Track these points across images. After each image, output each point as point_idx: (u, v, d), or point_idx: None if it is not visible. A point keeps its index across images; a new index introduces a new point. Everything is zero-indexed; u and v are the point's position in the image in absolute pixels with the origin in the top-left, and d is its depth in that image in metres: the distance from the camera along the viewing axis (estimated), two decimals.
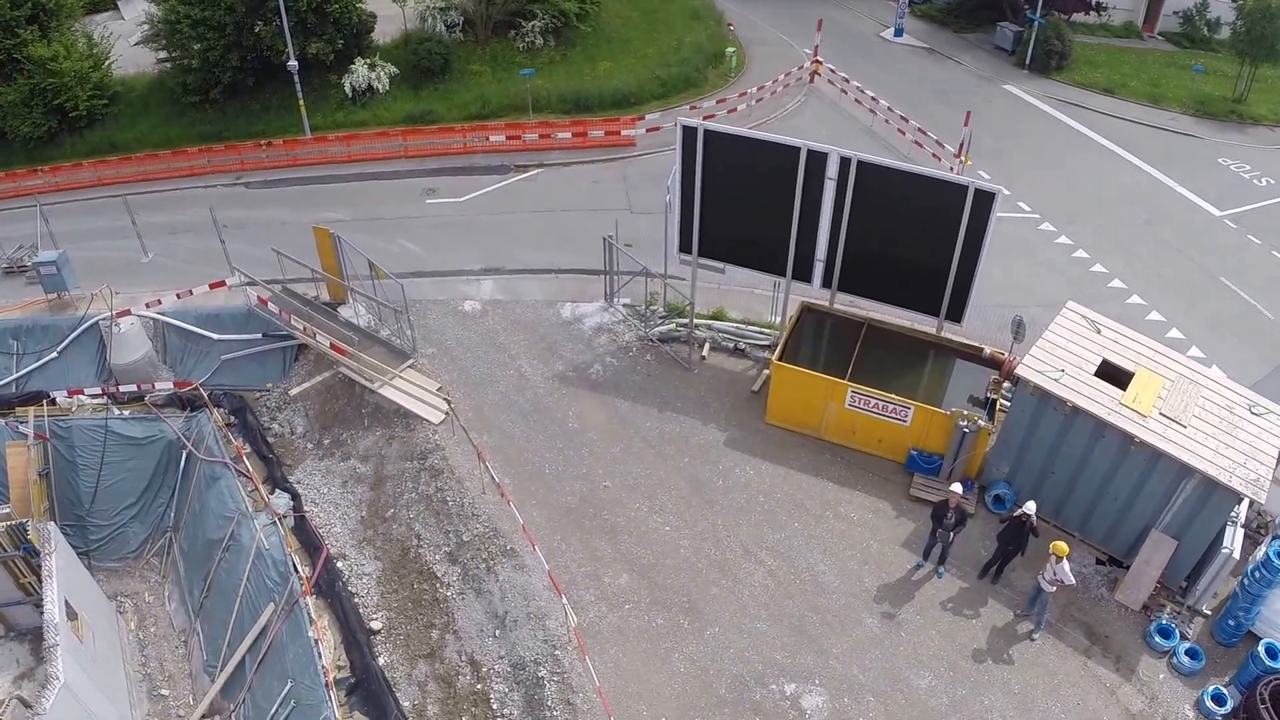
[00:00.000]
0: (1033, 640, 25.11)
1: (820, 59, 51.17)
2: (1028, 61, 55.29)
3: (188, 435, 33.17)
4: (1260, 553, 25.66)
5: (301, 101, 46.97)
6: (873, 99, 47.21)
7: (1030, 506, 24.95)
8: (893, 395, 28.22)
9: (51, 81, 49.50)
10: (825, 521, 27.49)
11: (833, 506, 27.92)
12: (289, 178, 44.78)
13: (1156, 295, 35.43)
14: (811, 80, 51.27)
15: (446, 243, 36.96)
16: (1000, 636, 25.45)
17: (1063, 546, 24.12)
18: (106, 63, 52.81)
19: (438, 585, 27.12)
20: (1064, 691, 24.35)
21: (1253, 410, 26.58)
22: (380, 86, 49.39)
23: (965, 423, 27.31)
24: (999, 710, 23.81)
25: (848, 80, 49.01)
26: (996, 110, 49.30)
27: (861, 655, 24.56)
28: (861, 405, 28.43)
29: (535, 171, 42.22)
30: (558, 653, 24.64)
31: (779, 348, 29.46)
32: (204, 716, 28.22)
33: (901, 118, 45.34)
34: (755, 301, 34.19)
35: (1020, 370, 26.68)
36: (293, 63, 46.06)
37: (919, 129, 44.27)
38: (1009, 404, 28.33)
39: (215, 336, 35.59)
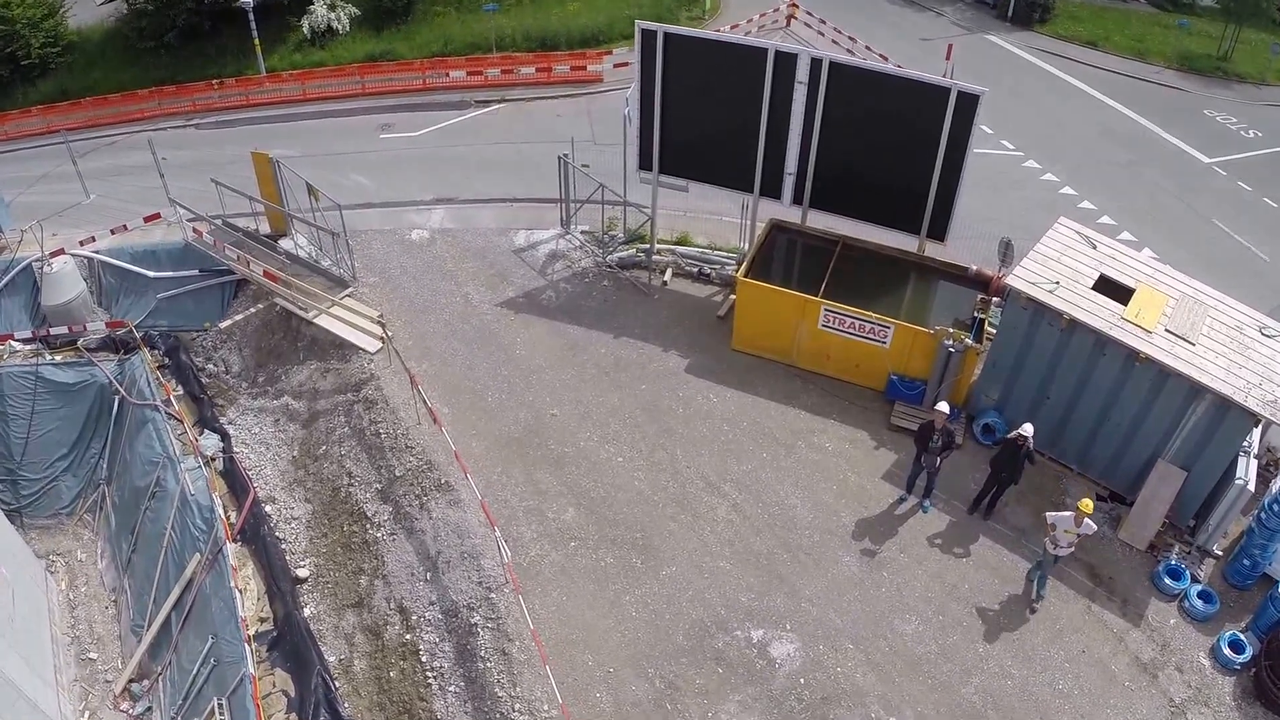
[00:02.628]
0: (1033, 613, 21.32)
1: (797, 2, 46.94)
2: (1010, 14, 51.86)
3: (120, 379, 29.80)
4: (1277, 487, 22.25)
5: (257, 41, 43.44)
6: (851, 39, 43.45)
7: (1027, 429, 21.26)
8: (870, 313, 24.19)
9: (2, 29, 46.25)
10: (796, 452, 23.66)
11: (805, 436, 24.09)
12: (241, 118, 41.51)
13: (1148, 232, 32.35)
14: (788, 24, 47.24)
15: (399, 176, 33.43)
16: (994, 577, 21.73)
17: (1088, 504, 20.24)
18: (61, 10, 49.42)
19: (368, 526, 23.51)
20: (1067, 638, 20.72)
21: (1264, 332, 23.06)
22: (340, 27, 45.97)
23: (951, 342, 23.42)
24: (995, 659, 20.12)
25: (824, 22, 45.00)
26: (978, 57, 46.10)
27: (838, 597, 20.80)
28: (836, 325, 24.48)
29: (496, 106, 38.80)
30: (493, 596, 20.89)
31: (745, 264, 25.37)
32: (131, 680, 24.84)
33: (881, 56, 41.40)
34: (722, 228, 30.59)
35: (1011, 281, 22.83)
36: (246, 0, 41.64)
37: (898, 66, 39.95)
38: (998, 327, 24.28)
39: (151, 274, 31.91)
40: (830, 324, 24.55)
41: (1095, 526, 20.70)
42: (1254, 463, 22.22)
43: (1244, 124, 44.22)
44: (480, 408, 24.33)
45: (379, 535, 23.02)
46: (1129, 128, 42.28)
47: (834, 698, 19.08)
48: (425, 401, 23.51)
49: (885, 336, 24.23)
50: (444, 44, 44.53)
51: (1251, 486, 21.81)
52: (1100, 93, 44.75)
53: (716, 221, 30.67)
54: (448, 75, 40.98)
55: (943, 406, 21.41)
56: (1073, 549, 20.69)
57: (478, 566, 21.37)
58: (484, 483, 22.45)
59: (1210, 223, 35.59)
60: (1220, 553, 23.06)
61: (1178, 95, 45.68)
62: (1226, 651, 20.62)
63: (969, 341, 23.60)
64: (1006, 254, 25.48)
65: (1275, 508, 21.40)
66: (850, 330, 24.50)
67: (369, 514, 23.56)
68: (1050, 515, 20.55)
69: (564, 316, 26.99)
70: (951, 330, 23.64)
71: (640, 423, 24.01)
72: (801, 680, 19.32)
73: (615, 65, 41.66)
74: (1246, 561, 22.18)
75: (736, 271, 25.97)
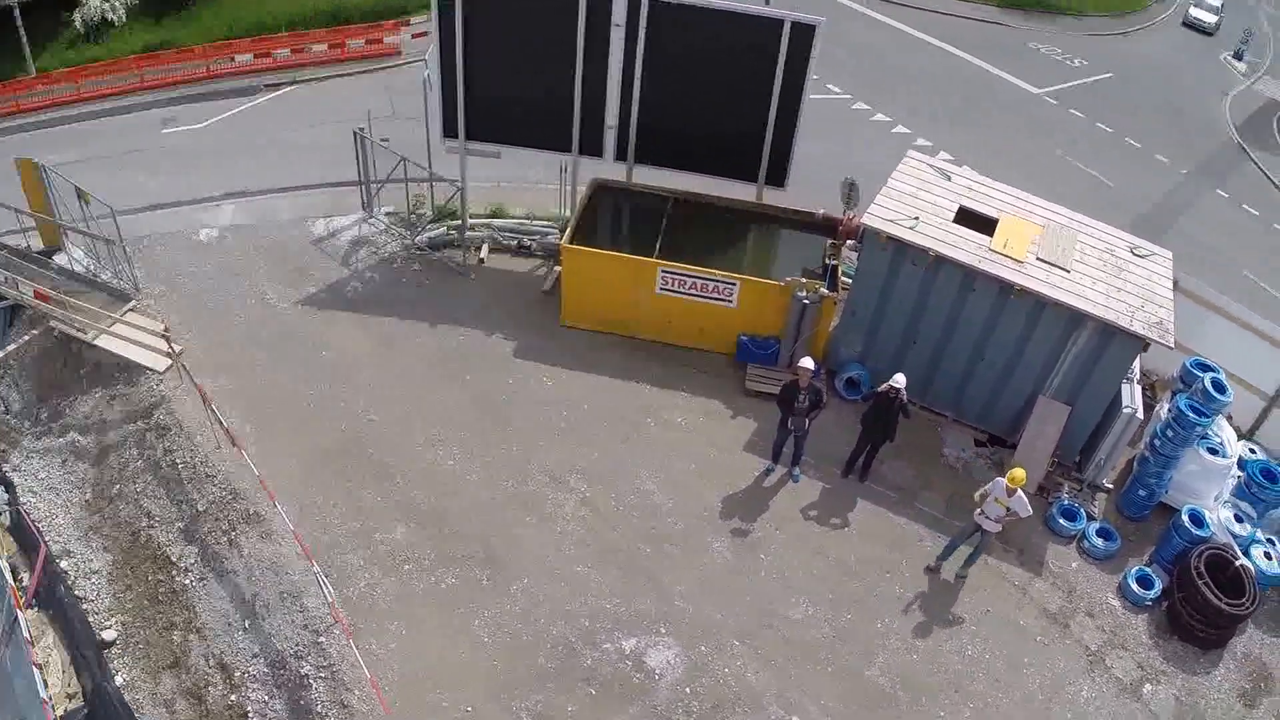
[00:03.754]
0: (961, 579, 19.38)
1: None
2: None
3: None
4: (1164, 411, 20.87)
5: (25, 41, 38.12)
6: None
7: (899, 379, 19.06)
8: (713, 270, 21.70)
9: None
10: (647, 432, 21.19)
11: (654, 413, 21.62)
12: (13, 125, 36.40)
13: (989, 166, 30.94)
14: None
15: (185, 172, 29.85)
16: (882, 544, 19.68)
17: (1020, 473, 18.12)
18: None
19: (174, 573, 19.87)
20: (968, 600, 18.89)
21: (1135, 252, 21.81)
22: (116, 18, 41.20)
23: (804, 294, 21.21)
24: (896, 633, 18.11)
25: None
26: (794, 3, 43.41)
27: (715, 589, 18.36)
28: (676, 288, 22.05)
29: (287, 89, 35.30)
30: (322, 640, 17.63)
31: (569, 230, 22.60)
32: None
33: None
34: (541, 196, 27.88)
35: (867, 220, 20.75)
36: None
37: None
38: (852, 275, 22.41)
39: None
40: (669, 287, 22.09)
41: (1030, 509, 18.53)
42: (1138, 390, 20.92)
43: (1068, 54, 44.63)
44: (289, 421, 21.11)
45: (187, 582, 19.57)
46: (956, 65, 41.59)
47: (726, 703, 16.68)
48: (221, 421, 20.17)
49: (731, 295, 21.87)
50: (229, 27, 40.60)
51: (1141, 414, 20.43)
52: (924, 33, 43.94)
53: (534, 190, 28.05)
54: (233, 60, 37.26)
55: (806, 362, 19.15)
56: (1001, 526, 18.62)
57: (301, 607, 18.16)
58: (298, 508, 19.26)
59: (1050, 152, 34.96)
60: (1111, 486, 21.65)
61: (1002, 31, 45.47)
62: (1135, 588, 19.33)
63: (824, 291, 21.48)
64: (851, 195, 23.76)
65: (1169, 433, 20.07)
66: (692, 292, 22.08)
67: (174, 558, 20.04)
68: (996, 481, 18.43)
69: (374, 308, 23.94)
70: (803, 280, 21.39)
71: (470, 418, 21.16)
72: (687, 690, 16.82)
73: (414, 36, 38.77)
74: (1142, 492, 20.85)
75: (560, 240, 23.00)
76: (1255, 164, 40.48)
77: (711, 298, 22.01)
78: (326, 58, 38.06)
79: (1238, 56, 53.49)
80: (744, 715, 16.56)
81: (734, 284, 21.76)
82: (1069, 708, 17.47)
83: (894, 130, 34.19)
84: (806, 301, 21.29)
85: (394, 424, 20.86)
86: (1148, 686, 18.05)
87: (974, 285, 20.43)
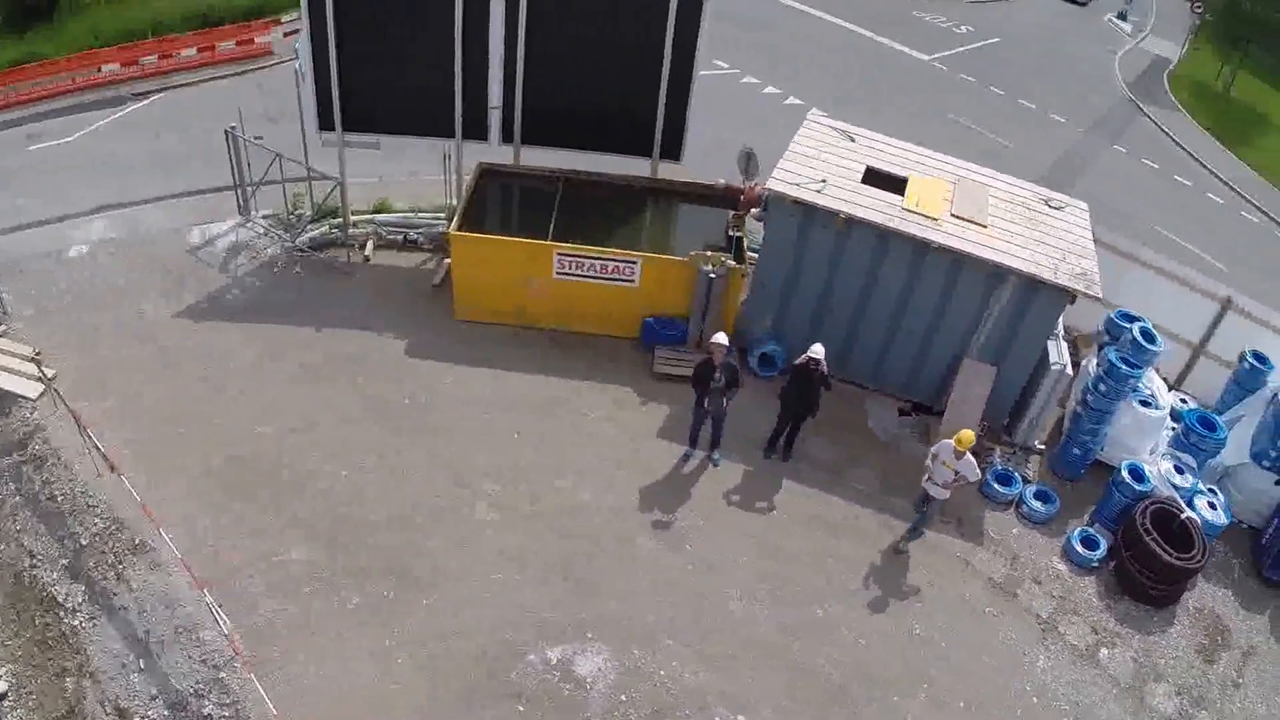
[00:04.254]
0: (900, 553, 18.38)
1: None
2: None
3: None
4: (1092, 366, 20.27)
5: None
6: None
7: (818, 349, 17.84)
8: (612, 250, 20.31)
9: None
10: (555, 424, 19.81)
11: (561, 405, 20.22)
12: None
13: (888, 133, 29.19)
14: None
15: (53, 188, 27.45)
16: (815, 526, 18.55)
17: (968, 435, 17.08)
18: None
19: (62, 614, 17.75)
20: (911, 577, 17.91)
21: (1050, 204, 21.12)
22: None
23: (709, 267, 19.78)
24: (843, 620, 16.97)
25: None
26: None
27: (644, 587, 17.03)
28: (574, 271, 20.68)
29: (156, 97, 32.95)
30: (223, 675, 15.81)
31: (455, 218, 21.01)
32: None
33: None
34: (425, 188, 26.09)
35: (772, 185, 19.53)
36: None
37: None
38: (761, 241, 21.14)
39: None
40: (567, 270, 20.71)
41: (979, 473, 17.62)
42: (1064, 346, 20.21)
43: (954, 21, 44.57)
44: (173, 441, 19.24)
45: (76, 623, 17.53)
46: (843, 36, 41.05)
47: (666, 709, 15.35)
48: (98, 446, 18.26)
49: (632, 274, 20.58)
50: (95, 38, 38.11)
51: (1070, 370, 19.72)
52: (808, 6, 43.34)
53: (417, 182, 26.35)
54: (99, 70, 34.76)
55: (719, 338, 17.93)
56: (949, 492, 17.59)
57: (197, 641, 16.31)
58: (189, 534, 17.44)
59: (944, 117, 34.37)
60: (1043, 447, 20.92)
61: (885, 1, 44.80)
62: (1080, 550, 18.61)
63: (730, 263, 20.17)
64: (750, 165, 22.61)
65: (1100, 387, 19.35)
66: (591, 274, 20.75)
67: (60, 598, 17.97)
68: (941, 443, 17.44)
69: (256, 315, 22.15)
70: (708, 254, 20.03)
71: (365, 424, 19.51)
72: (622, 697, 15.44)
73: (286, 35, 36.66)
74: (1076, 451, 20.14)
75: (447, 229, 21.40)
76: (1150, 119, 40.50)
77: (612, 279, 20.67)
78: (197, 61, 35.89)
79: (1122, 17, 53.80)
80: (687, 719, 15.14)
81: (635, 263, 20.46)
82: (1026, 680, 16.56)
83: (786, 102, 33.28)
84: (713, 275, 20.05)
85: (285, 436, 19.17)
86: (1104, 650, 17.25)
87: (889, 247, 19.46)
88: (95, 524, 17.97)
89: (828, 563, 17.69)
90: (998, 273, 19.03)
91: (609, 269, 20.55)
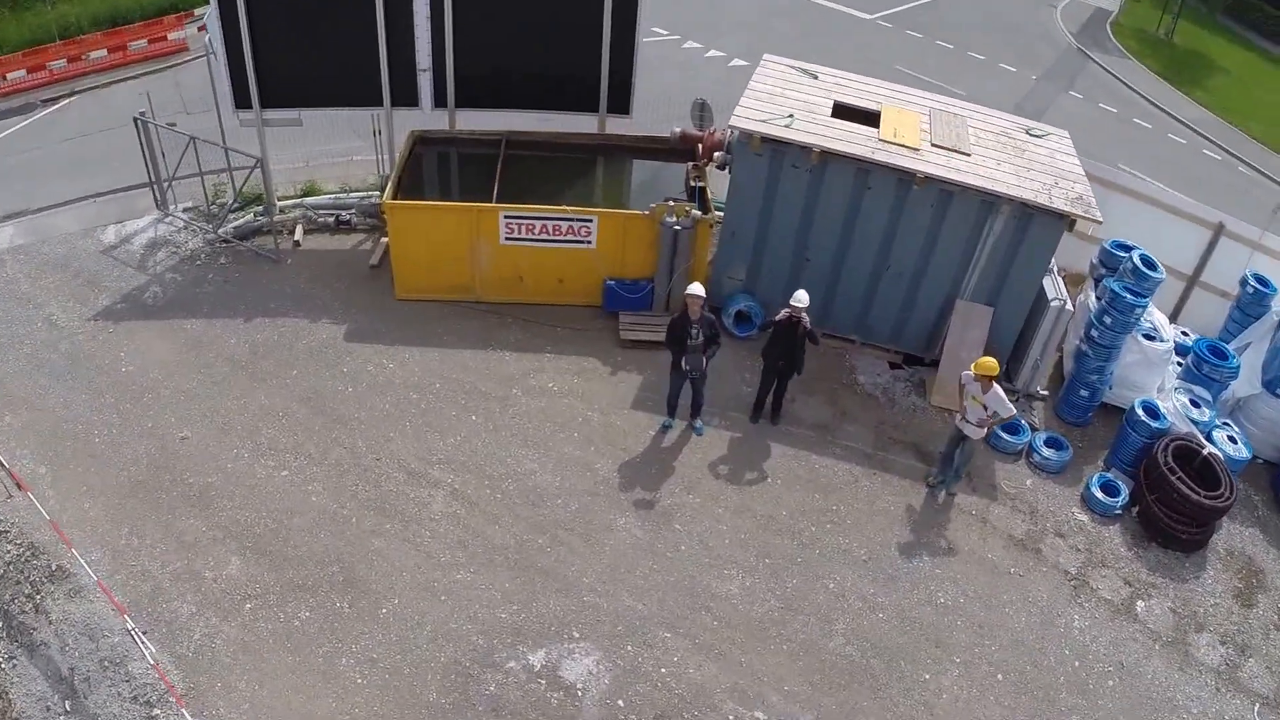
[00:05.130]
0: (951, 495, 16.79)
1: None
2: None
3: None
4: (1091, 301, 18.50)
5: None
6: None
7: (801, 298, 15.81)
8: (563, 207, 18.15)
9: None
10: (515, 404, 17.68)
11: (519, 382, 18.11)
12: None
13: None
14: None
15: None
16: (813, 491, 16.59)
17: (990, 363, 15.43)
18: None
19: None
20: (926, 539, 16.02)
21: (1031, 133, 19.28)
22: None
23: (674, 218, 17.47)
24: (855, 591, 15.06)
25: None
26: None
27: (629, 575, 14.96)
28: (524, 234, 18.51)
29: (67, 101, 30.46)
30: (157, 712, 13.44)
31: (389, 186, 18.70)
32: None
33: None
34: (355, 168, 23.96)
35: (736, 122, 17.53)
36: None
37: None
38: (730, 185, 18.89)
39: None
40: (516, 235, 18.59)
41: (1011, 408, 15.78)
42: (1060, 281, 18.46)
43: None
44: (88, 454, 16.90)
45: None
46: (782, 1, 39.19)
47: (672, 710, 13.30)
48: (3, 465, 15.89)
49: (588, 234, 18.49)
50: None
51: (1070, 306, 17.99)
52: None
53: (346, 164, 24.22)
54: (4, 79, 32.28)
55: (695, 289, 15.92)
56: (985, 429, 15.89)
57: (126, 675, 13.95)
58: (110, 554, 15.15)
59: (894, 69, 32.41)
60: (1046, 393, 19.10)
61: None
62: (1101, 497, 16.81)
63: (696, 213, 17.99)
64: (704, 114, 20.63)
65: (1105, 320, 17.59)
66: (543, 236, 18.62)
67: None
68: (963, 375, 15.82)
69: (178, 312, 19.85)
70: (671, 203, 17.85)
71: (301, 418, 17.25)
72: (620, 702, 13.35)
73: (200, 29, 33.87)
74: (1083, 392, 18.36)
75: (381, 199, 19.13)
76: (1101, 66, 39.32)
77: (566, 241, 18.55)
78: (108, 63, 33.46)
79: None
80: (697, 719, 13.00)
81: (590, 220, 18.37)
82: (1064, 642, 14.75)
83: (731, 64, 31.55)
84: (678, 228, 18.00)
85: (212, 438, 16.88)
86: (1140, 603, 15.52)
87: (869, 182, 17.58)
88: (8, 550, 15.58)
89: (830, 530, 15.73)
90: (989, 202, 17.25)
91: (562, 230, 18.44)
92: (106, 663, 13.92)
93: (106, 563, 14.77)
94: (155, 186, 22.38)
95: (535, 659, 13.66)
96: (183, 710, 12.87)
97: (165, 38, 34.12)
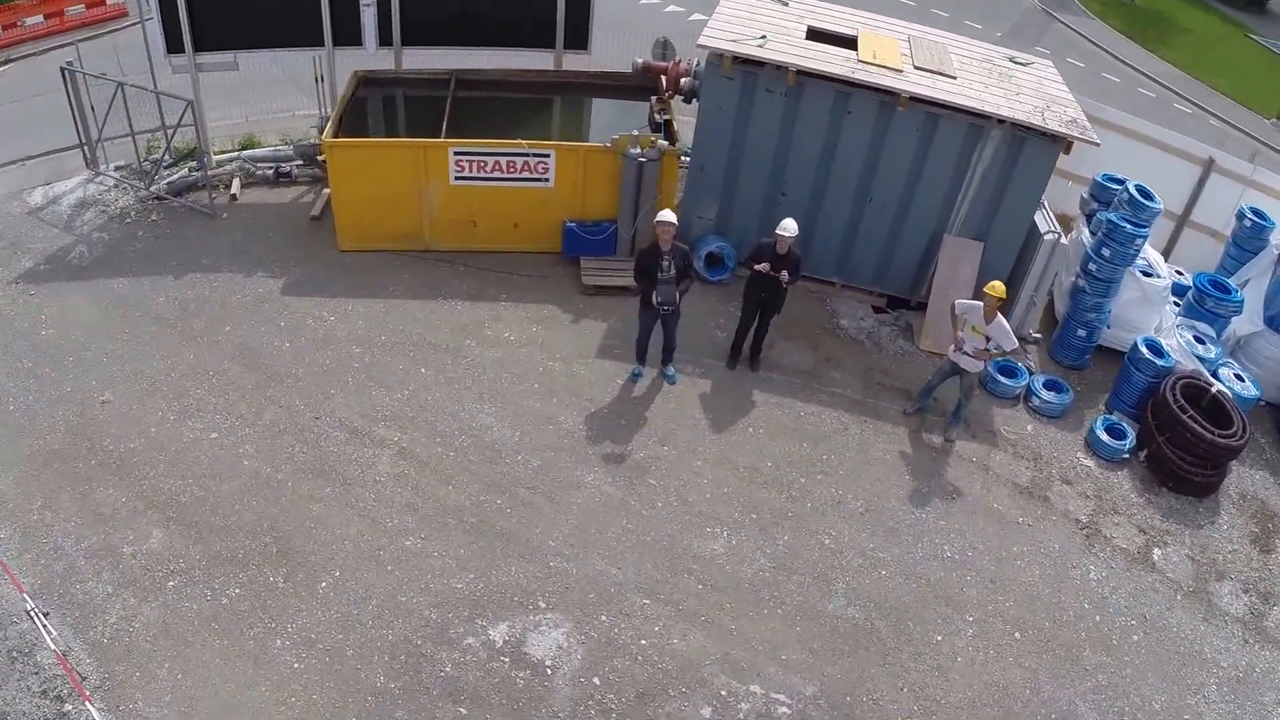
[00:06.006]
0: (949, 442, 14.95)
1: None
2: None
3: None
4: (1085, 237, 16.82)
5: None
6: None
7: (789, 226, 13.69)
8: (518, 141, 15.82)
9: None
10: (468, 356, 15.62)
11: (473, 333, 16.04)
12: None
13: None
14: None
15: None
16: (799, 441, 14.68)
17: (1000, 286, 13.72)
18: None
19: None
20: (925, 489, 14.18)
21: (1014, 60, 17.48)
22: None
23: (638, 150, 15.42)
24: (854, 546, 13.24)
25: None
26: None
27: (600, 537, 12.99)
28: (477, 173, 16.40)
29: (3, 69, 27.58)
30: (68, 709, 11.22)
31: (330, 124, 16.56)
32: None
33: None
34: (298, 123, 21.59)
35: (704, 42, 15.60)
36: None
37: None
38: (699, 114, 16.81)
39: None
40: (467, 173, 16.50)
41: (1015, 341, 14.11)
42: (1051, 215, 16.70)
43: None
44: (1, 423, 14.53)
45: None
46: None
47: (656, 688, 11.36)
48: None
49: (546, 170, 16.44)
50: None
51: (1064, 238, 16.36)
52: None
53: (289, 119, 21.88)
54: None
55: (666, 215, 13.93)
56: (983, 363, 14.20)
57: (35, 667, 11.75)
58: (20, 530, 13.00)
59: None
60: (1039, 335, 17.39)
61: None
62: (1106, 439, 15.11)
63: (662, 143, 15.92)
64: (667, 51, 18.73)
65: (1104, 251, 15.89)
66: (496, 175, 16.51)
67: None
68: (958, 303, 14.10)
69: (103, 272, 17.62)
70: (635, 134, 15.81)
71: (233, 377, 15.12)
72: (596, 680, 11.30)
73: None
74: (1081, 332, 16.65)
75: (320, 138, 17.02)
76: (1065, 24, 37.93)
77: (522, 179, 16.50)
78: (45, 30, 30.90)
79: None
80: (683, 697, 11.21)
81: (548, 155, 16.34)
82: (1082, 595, 13.05)
83: (692, 19, 29.26)
84: (642, 160, 15.99)
85: (135, 401, 14.74)
86: (1157, 551, 13.87)
87: (849, 106, 15.74)
88: None
89: (821, 480, 13.86)
90: (978, 126, 15.44)
91: (517, 166, 16.39)
92: (15, 653, 11.82)
93: (16, 541, 12.65)
94: (85, 143, 20.16)
95: (496, 634, 11.65)
96: (88, 705, 10.80)
97: (104, 2, 31.68)
